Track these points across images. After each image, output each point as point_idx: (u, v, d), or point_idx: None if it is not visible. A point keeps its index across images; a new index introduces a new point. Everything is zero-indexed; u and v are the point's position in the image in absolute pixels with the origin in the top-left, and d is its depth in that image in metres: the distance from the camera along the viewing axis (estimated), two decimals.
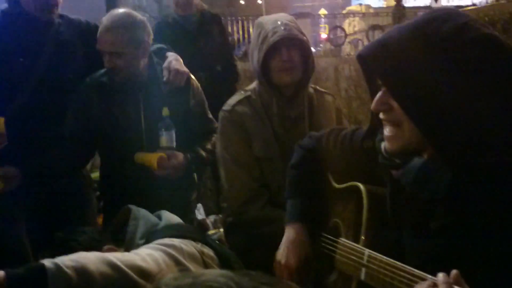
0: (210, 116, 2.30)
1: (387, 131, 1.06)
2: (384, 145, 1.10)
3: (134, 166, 2.00)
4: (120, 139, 2.07)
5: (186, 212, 2.29)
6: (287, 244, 1.47)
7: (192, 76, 2.21)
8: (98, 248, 1.45)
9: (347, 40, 11.25)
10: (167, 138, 1.97)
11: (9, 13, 2.10)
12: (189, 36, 3.32)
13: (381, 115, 1.07)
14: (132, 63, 2.00)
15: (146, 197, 1.97)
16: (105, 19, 1.99)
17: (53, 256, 1.44)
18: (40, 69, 2.09)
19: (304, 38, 1.92)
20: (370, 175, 1.30)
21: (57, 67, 2.12)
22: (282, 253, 1.47)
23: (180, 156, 2.01)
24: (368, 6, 25.01)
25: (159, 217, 1.61)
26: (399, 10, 8.69)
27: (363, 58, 1.06)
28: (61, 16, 2.19)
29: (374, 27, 9.59)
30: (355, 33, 14.85)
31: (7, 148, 1.95)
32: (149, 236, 1.48)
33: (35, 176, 1.98)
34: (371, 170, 1.27)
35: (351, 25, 15.18)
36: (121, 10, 2.04)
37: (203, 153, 2.14)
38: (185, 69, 2.10)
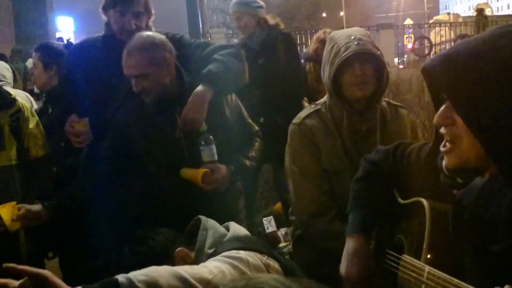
0: (249, 120, 2.29)
1: (446, 146, 1.04)
2: (444, 162, 1.07)
3: (179, 182, 2.01)
4: (162, 158, 2.08)
5: (236, 221, 2.33)
6: (347, 256, 1.45)
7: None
8: (172, 249, 1.55)
9: (433, 50, 10.84)
10: (208, 152, 1.98)
11: (106, 37, 2.34)
12: (252, 53, 3.35)
13: (442, 130, 1.04)
14: (159, 83, 2.01)
15: (194, 210, 1.91)
16: (127, 45, 2.04)
17: (132, 251, 1.57)
18: (124, 88, 2.20)
19: (378, 52, 1.89)
20: (434, 191, 1.26)
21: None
22: (342, 265, 1.46)
23: (223, 168, 2.00)
24: (457, 15, 23.90)
25: (227, 228, 1.66)
26: (480, 19, 8.26)
27: (427, 71, 1.03)
28: None
29: (462, 36, 9.18)
30: (441, 43, 14.26)
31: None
32: (218, 247, 1.53)
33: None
34: (435, 186, 1.23)
35: (438, 35, 14.61)
36: (140, 34, 2.08)
37: (247, 162, 2.13)
38: (199, 114, 2.02)
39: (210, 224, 1.62)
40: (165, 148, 2.06)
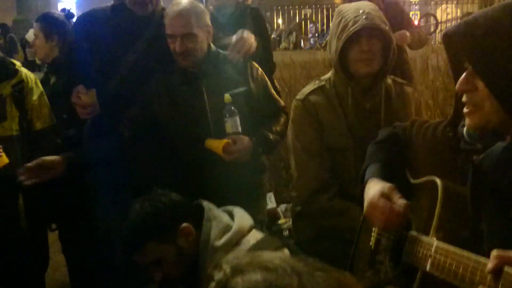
0: (276, 96, 2.32)
1: (467, 108, 1.05)
2: (465, 128, 1.09)
3: (203, 153, 2.06)
4: (188, 129, 2.14)
5: (258, 195, 2.37)
6: (374, 193, 1.34)
7: (253, 62, 2.26)
8: (178, 221, 1.56)
9: (439, 28, 10.70)
10: (231, 124, 2.02)
11: (115, 8, 2.29)
12: (222, 29, 3.31)
13: (464, 97, 1.06)
14: (201, 46, 2.09)
15: (218, 182, 2.06)
16: (173, 6, 2.09)
17: (140, 209, 1.60)
18: (129, 60, 2.23)
19: (387, 27, 1.84)
20: (449, 169, 1.25)
21: (147, 59, 2.25)
22: (371, 202, 1.35)
23: (246, 140, 2.04)
24: None
25: (231, 215, 1.64)
26: None
27: (449, 37, 1.06)
28: (163, 9, 2.27)
29: (468, 15, 9.04)
30: (448, 21, 14.07)
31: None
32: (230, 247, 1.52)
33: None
34: (451, 163, 1.23)
35: (445, 12, 14.40)
36: (184, 1, 2.12)
37: (270, 135, 2.15)
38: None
39: (213, 214, 1.61)
40: (191, 119, 2.13)
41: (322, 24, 12.40)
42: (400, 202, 1.29)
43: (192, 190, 1.87)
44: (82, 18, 2.41)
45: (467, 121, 1.07)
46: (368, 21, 1.79)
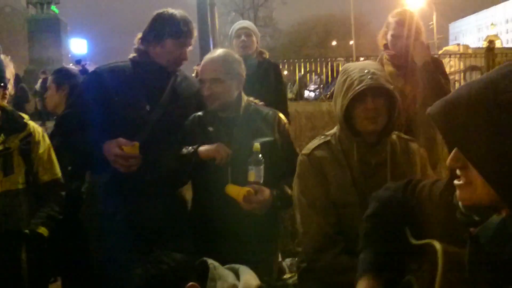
0: (297, 152, 2.33)
1: (459, 181, 1.03)
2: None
3: (222, 198, 2.07)
4: (207, 171, 2.17)
5: (271, 248, 2.37)
6: None
7: (281, 114, 2.33)
8: (184, 282, 1.50)
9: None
10: (256, 173, 2.04)
11: (138, 61, 2.34)
12: (247, 79, 3.46)
13: (457, 171, 1.03)
14: (228, 92, 2.19)
15: (232, 230, 2.11)
16: (208, 54, 2.26)
17: (144, 273, 1.57)
18: (158, 113, 2.30)
19: (391, 87, 1.89)
20: (447, 231, 1.23)
21: (172, 113, 2.33)
22: None
23: (267, 192, 2.07)
24: (467, 46, 24.02)
25: (237, 274, 1.61)
26: (489, 52, 8.34)
27: (432, 117, 1.02)
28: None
29: (472, 68, 9.20)
30: (451, 73, 14.32)
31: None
32: None
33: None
34: (448, 225, 1.20)
35: (448, 65, 14.69)
36: (222, 49, 2.32)
37: (289, 191, 2.15)
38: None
39: (218, 273, 1.58)
40: (213, 162, 2.14)
41: (327, 76, 12.65)
42: None
43: (205, 239, 1.95)
44: (103, 71, 2.35)
45: (458, 194, 1.04)
46: (373, 81, 1.83)
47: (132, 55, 2.37)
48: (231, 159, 2.13)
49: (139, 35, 2.36)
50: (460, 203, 1.05)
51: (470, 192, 1.00)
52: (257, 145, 2.06)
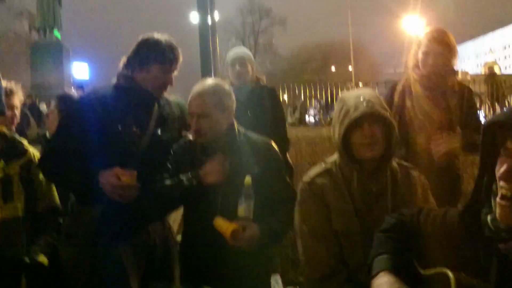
0: (288, 182, 2.30)
1: (504, 202, 1.04)
2: (491, 217, 1.07)
3: (212, 229, 2.03)
4: (201, 201, 2.15)
5: (264, 283, 2.31)
6: None
7: (273, 143, 2.30)
8: None
9: None
10: (245, 208, 2.00)
11: (123, 87, 2.30)
12: (241, 106, 3.47)
13: (502, 183, 1.05)
14: (216, 126, 2.15)
15: (222, 262, 2.06)
16: (196, 87, 2.20)
17: None
18: (147, 137, 2.29)
19: (387, 114, 1.90)
20: (463, 259, 1.21)
21: (160, 137, 2.33)
22: None
23: (254, 228, 2.02)
24: (466, 73, 24.24)
25: None
26: (491, 78, 8.40)
27: (495, 123, 1.07)
28: None
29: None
30: None
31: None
32: None
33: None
34: (465, 252, 1.19)
35: None
36: (210, 80, 2.26)
37: (278, 227, 2.13)
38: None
39: None
40: (205, 191, 2.12)
41: (326, 101, 12.73)
42: None
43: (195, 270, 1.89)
44: (86, 100, 2.32)
45: (503, 217, 1.04)
46: (369, 108, 1.85)
47: (115, 80, 2.33)
48: (221, 190, 2.11)
49: (123, 59, 2.33)
50: (490, 219, 1.06)
51: None
52: (248, 179, 2.02)
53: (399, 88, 2.87)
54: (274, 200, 2.19)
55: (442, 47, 2.69)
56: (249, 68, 3.53)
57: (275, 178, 2.22)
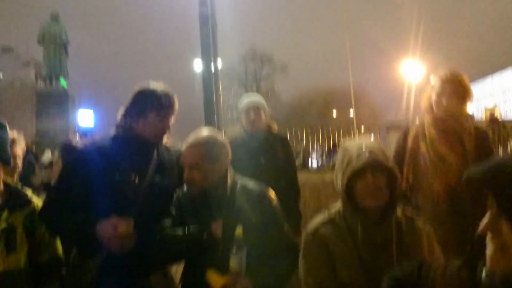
0: (286, 232, 2.27)
1: (491, 251, 1.04)
2: (485, 272, 1.06)
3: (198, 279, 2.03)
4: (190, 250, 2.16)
5: None
6: None
7: (271, 191, 2.29)
8: None
9: None
10: (237, 260, 1.99)
11: (122, 138, 2.34)
12: (253, 152, 3.42)
13: (488, 236, 1.05)
14: (207, 176, 2.16)
15: None
16: (191, 136, 2.23)
17: None
18: (146, 184, 2.31)
19: (390, 164, 1.91)
20: None
21: (159, 184, 2.35)
22: None
23: (245, 283, 1.99)
24: (470, 117, 24.36)
25: None
26: (493, 123, 8.46)
27: (473, 180, 1.07)
28: None
29: None
30: None
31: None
32: None
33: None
34: None
35: None
36: (204, 131, 2.28)
37: (271, 279, 2.09)
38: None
39: None
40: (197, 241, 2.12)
41: (329, 146, 12.76)
42: None
43: None
44: (87, 152, 2.37)
45: (490, 264, 1.04)
46: (371, 158, 1.86)
47: (114, 131, 2.37)
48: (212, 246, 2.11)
49: (121, 111, 2.38)
50: (484, 274, 1.05)
51: (507, 260, 1.01)
52: (239, 230, 2.02)
53: (412, 132, 2.80)
54: (271, 251, 2.15)
55: (456, 88, 2.65)
56: (263, 116, 3.62)
57: (271, 228, 2.18)
